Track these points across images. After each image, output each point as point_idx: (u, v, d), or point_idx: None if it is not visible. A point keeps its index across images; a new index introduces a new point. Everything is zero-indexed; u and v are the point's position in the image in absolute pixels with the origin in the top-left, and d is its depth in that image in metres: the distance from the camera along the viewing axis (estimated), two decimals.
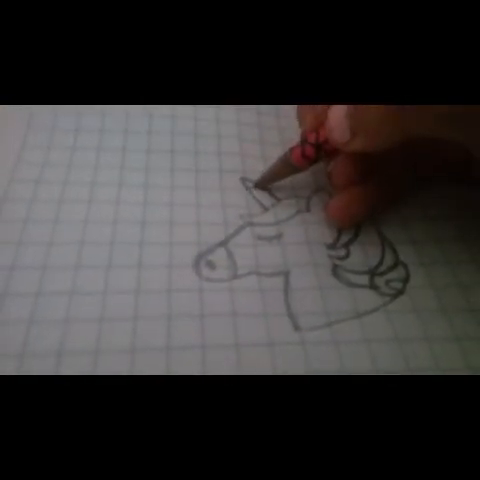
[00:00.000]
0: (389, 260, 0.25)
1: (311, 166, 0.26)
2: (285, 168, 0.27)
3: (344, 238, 0.26)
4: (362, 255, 0.25)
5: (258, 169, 0.28)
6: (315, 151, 0.25)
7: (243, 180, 0.28)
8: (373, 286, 0.24)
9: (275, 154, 0.28)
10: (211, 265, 0.24)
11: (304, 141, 0.26)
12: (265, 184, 0.28)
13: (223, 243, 0.25)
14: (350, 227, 0.26)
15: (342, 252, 0.25)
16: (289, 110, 0.29)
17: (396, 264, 0.25)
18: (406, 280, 0.25)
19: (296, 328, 0.22)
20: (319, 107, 0.25)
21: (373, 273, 0.25)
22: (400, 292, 0.24)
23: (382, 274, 0.25)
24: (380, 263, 0.25)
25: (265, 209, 0.27)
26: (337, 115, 0.23)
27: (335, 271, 0.25)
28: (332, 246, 0.26)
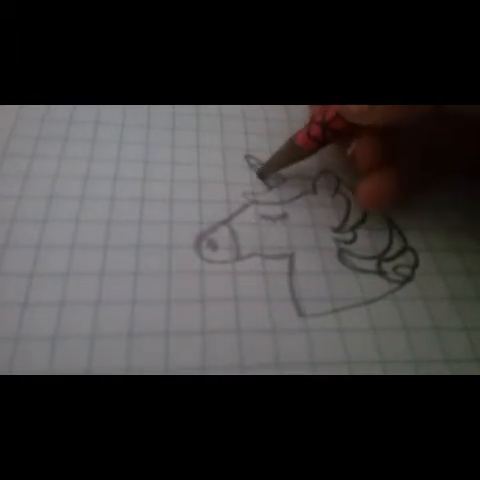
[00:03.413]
0: (397, 245, 0.25)
1: (318, 150, 0.25)
2: (291, 153, 0.25)
3: (351, 222, 0.25)
4: (369, 239, 0.25)
5: (263, 147, 0.27)
6: (321, 130, 0.24)
7: (247, 157, 0.27)
8: (380, 272, 0.23)
9: (281, 131, 0.26)
10: (213, 245, 0.23)
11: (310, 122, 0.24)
12: (269, 172, 0.26)
13: (226, 221, 0.24)
14: (381, 210, 0.25)
15: (349, 236, 0.25)
16: None
17: (404, 249, 0.24)
18: (415, 266, 0.24)
19: (300, 314, 0.22)
20: None
21: (381, 258, 0.24)
22: (408, 279, 0.23)
23: (390, 259, 0.24)
24: (388, 248, 0.24)
25: (269, 188, 0.26)
26: None
27: (341, 255, 0.24)
28: (338, 229, 0.25)
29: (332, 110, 0.23)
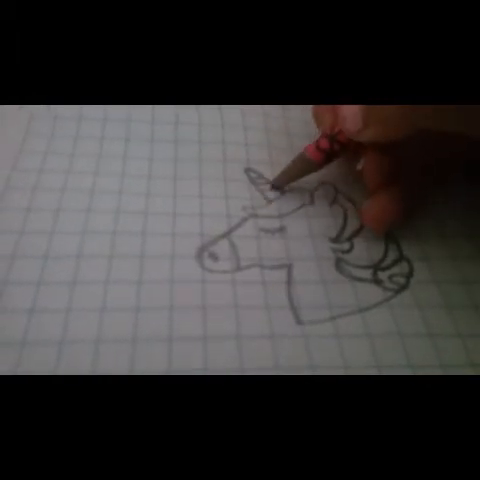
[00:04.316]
0: (393, 255, 0.25)
1: (328, 162, 0.26)
2: (301, 166, 0.26)
3: (348, 231, 0.26)
4: (365, 249, 0.25)
5: (263, 159, 0.28)
6: (329, 142, 0.25)
7: (247, 171, 0.28)
8: (376, 280, 0.24)
9: (280, 144, 0.27)
10: (214, 256, 0.24)
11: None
12: (282, 184, 0.27)
13: (226, 235, 0.25)
14: (385, 231, 0.26)
15: (346, 246, 0.25)
16: None
17: (400, 259, 0.25)
18: (409, 275, 0.25)
19: (298, 321, 0.22)
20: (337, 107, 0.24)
21: (376, 267, 0.25)
22: (403, 287, 0.24)
23: (385, 269, 0.25)
24: (384, 257, 0.25)
25: (269, 201, 0.27)
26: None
27: (338, 265, 0.24)
28: (336, 239, 0.25)
29: (338, 124, 0.24)
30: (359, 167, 0.25)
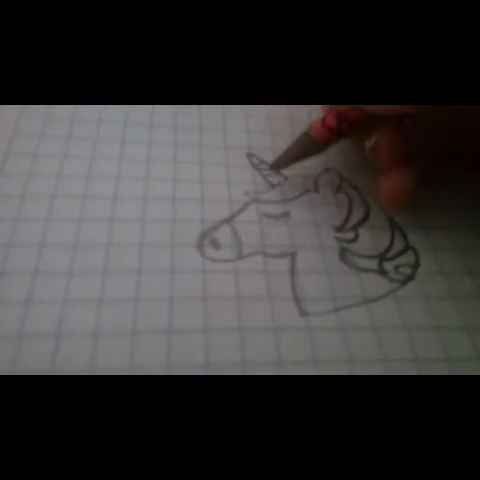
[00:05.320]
0: (398, 245, 0.25)
1: (334, 142, 0.25)
2: (305, 146, 0.25)
3: (353, 220, 0.25)
4: (371, 239, 0.25)
5: (265, 145, 0.28)
6: (337, 120, 0.24)
7: (249, 156, 0.27)
8: (382, 271, 0.23)
9: (283, 129, 0.26)
10: (215, 244, 0.23)
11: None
12: (281, 166, 0.26)
13: (228, 220, 0.24)
14: (398, 208, 0.25)
15: (350, 235, 0.25)
16: None
17: (406, 249, 0.25)
18: (416, 266, 0.24)
19: (302, 313, 0.22)
20: None
21: (382, 257, 0.24)
22: (410, 278, 0.23)
23: (391, 259, 0.24)
24: (389, 247, 0.24)
25: (272, 186, 0.26)
26: None
27: (343, 255, 0.24)
28: (340, 228, 0.25)
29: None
30: (369, 144, 0.24)
